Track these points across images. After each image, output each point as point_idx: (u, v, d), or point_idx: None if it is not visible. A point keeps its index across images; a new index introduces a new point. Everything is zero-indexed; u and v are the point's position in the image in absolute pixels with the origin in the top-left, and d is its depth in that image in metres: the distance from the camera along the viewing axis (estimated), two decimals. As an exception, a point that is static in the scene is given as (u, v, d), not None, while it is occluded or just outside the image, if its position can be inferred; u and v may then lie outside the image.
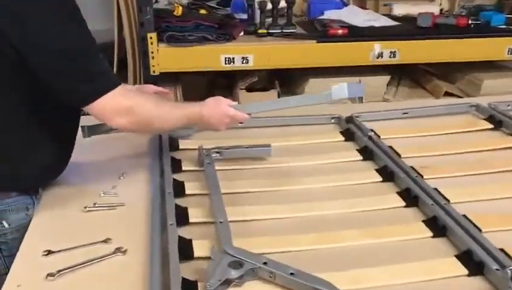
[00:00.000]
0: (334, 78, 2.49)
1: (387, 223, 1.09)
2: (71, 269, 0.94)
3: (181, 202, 1.14)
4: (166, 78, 2.43)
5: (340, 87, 1.25)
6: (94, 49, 1.03)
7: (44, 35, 0.96)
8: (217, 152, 1.33)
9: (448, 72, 2.72)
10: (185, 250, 0.97)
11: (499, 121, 1.57)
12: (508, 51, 2.47)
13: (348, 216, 1.12)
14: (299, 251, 1.00)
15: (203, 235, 1.04)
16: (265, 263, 0.90)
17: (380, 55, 2.39)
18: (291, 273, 0.88)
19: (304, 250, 1.01)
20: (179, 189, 1.19)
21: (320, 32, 2.38)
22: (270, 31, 2.36)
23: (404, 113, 1.66)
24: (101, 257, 0.97)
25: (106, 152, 1.36)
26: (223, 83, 2.70)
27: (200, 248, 0.99)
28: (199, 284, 0.89)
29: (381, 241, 1.03)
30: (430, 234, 1.05)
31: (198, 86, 2.65)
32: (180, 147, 1.43)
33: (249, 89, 2.41)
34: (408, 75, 2.84)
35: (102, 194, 1.19)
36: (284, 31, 2.37)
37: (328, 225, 1.08)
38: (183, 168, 1.31)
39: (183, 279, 0.88)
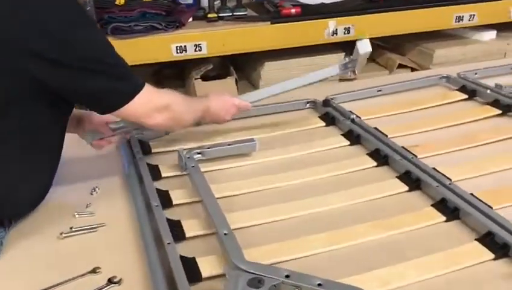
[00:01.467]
0: (290, 59, 2.43)
1: (396, 211, 1.03)
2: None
3: (170, 214, 1.02)
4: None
5: (363, 42, 1.31)
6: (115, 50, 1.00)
7: (85, 46, 0.93)
8: (199, 153, 1.21)
9: (399, 44, 2.72)
10: (191, 271, 0.85)
11: (472, 90, 1.56)
12: (456, 19, 2.49)
13: (354, 208, 1.05)
14: (314, 255, 0.92)
15: (205, 250, 0.92)
16: (287, 276, 0.80)
17: (335, 32, 2.33)
18: (319, 285, 0.79)
19: (319, 253, 0.92)
20: (165, 199, 1.07)
21: (273, 13, 2.28)
22: (221, 15, 2.24)
23: (378, 91, 1.61)
24: (94, 293, 0.84)
25: (71, 164, 1.20)
26: (170, 73, 2.55)
27: (206, 266, 0.87)
28: (218, 310, 0.78)
29: (397, 233, 0.97)
30: (443, 218, 1.00)
31: (144, 77, 2.48)
32: (153, 150, 1.30)
33: (204, 78, 2.28)
34: (359, 50, 2.81)
35: (76, 215, 1.04)
36: (235, 14, 2.25)
37: (337, 220, 1.00)
38: (163, 174, 1.18)
39: (199, 307, 0.77)
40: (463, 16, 2.49)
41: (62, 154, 1.08)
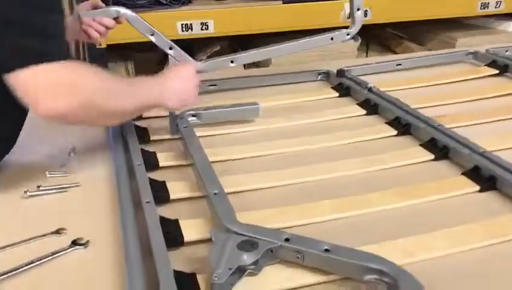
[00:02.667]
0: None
1: (420, 180, 0.87)
2: (12, 273, 0.66)
3: (155, 176, 0.87)
4: (115, 55, 2.14)
5: None
6: (58, 9, 0.78)
7: None
8: (194, 115, 1.06)
9: (418, 34, 2.57)
10: (171, 234, 0.71)
11: (505, 65, 1.40)
12: (481, 6, 2.33)
13: (370, 176, 0.89)
14: (320, 222, 0.76)
15: (191, 214, 0.78)
16: (287, 240, 0.65)
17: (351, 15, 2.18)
18: (326, 250, 0.63)
19: (326, 221, 0.77)
20: (151, 161, 0.92)
21: (286, -9, 2.15)
22: (230, -7, 2.10)
23: (398, 65, 1.45)
24: (53, 254, 0.69)
25: (48, 124, 1.06)
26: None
27: (190, 230, 0.73)
28: (198, 276, 0.63)
29: (421, 202, 0.81)
30: (476, 187, 0.84)
31: (151, 64, 2.36)
32: (144, 115, 1.15)
33: (210, 60, 2.14)
34: (376, 40, 2.66)
35: (48, 175, 0.90)
36: (246, -8, 2.11)
37: (348, 188, 0.85)
38: (152, 137, 1.04)
39: (176, 272, 0.62)
40: (488, 3, 2.33)
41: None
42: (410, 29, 2.55)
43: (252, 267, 0.63)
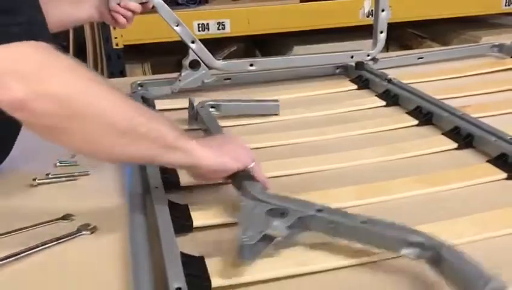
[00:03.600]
0: (321, 44, 2.26)
1: (444, 167, 0.83)
2: (18, 256, 0.64)
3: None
4: (131, 55, 2.14)
5: None
6: None
7: None
8: (213, 106, 1.04)
9: (441, 33, 2.51)
10: (181, 219, 0.68)
11: (532, 57, 1.35)
12: (506, 2, 2.26)
13: (393, 164, 0.85)
14: (344, 208, 0.72)
15: (201, 200, 0.75)
16: (319, 211, 0.60)
17: (370, 13, 2.14)
18: (363, 222, 0.58)
19: (350, 206, 0.72)
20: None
21: (303, -10, 2.12)
22: (247, -7, 2.09)
23: (420, 58, 1.41)
24: (60, 238, 0.67)
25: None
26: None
27: (200, 215, 0.70)
28: (207, 260, 0.59)
29: (445, 189, 0.76)
30: (504, 175, 0.79)
31: (169, 67, 2.35)
32: (157, 107, 1.14)
33: (228, 61, 2.12)
34: (396, 40, 2.61)
35: (58, 164, 0.88)
36: (263, -9, 2.09)
37: (370, 175, 0.81)
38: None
39: (183, 254, 0.59)
40: (514, -1, 2.27)
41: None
42: (431, 29, 2.49)
43: (281, 235, 0.58)
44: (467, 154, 0.88)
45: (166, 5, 1.11)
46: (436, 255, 0.54)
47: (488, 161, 0.84)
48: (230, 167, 0.67)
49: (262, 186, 0.67)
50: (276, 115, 1.07)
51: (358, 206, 0.72)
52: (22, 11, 0.57)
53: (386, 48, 2.54)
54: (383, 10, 1.23)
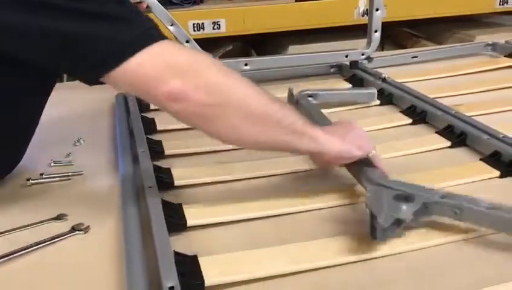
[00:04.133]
0: (316, 43, 2.26)
1: (438, 166, 0.83)
2: (11, 256, 0.64)
3: (161, 164, 0.85)
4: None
5: None
6: None
7: None
8: (310, 96, 1.07)
9: (435, 33, 2.51)
10: (174, 218, 0.68)
11: (525, 56, 1.35)
12: (500, 1, 2.27)
13: (387, 163, 0.84)
14: (338, 207, 0.73)
15: (196, 200, 0.75)
16: (443, 197, 0.63)
17: (365, 12, 2.15)
18: (487, 208, 0.61)
19: (341, 205, 0.73)
20: (157, 149, 0.90)
21: (299, -11, 2.12)
22: (242, -8, 2.09)
23: (414, 57, 1.41)
24: (53, 238, 0.67)
25: (56, 113, 1.05)
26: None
27: (194, 214, 0.70)
28: (200, 259, 0.60)
29: (440, 187, 0.76)
30: (496, 173, 0.80)
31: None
32: (152, 107, 1.14)
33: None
34: (391, 39, 2.62)
35: (52, 164, 0.89)
36: (258, -9, 2.10)
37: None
38: (159, 127, 1.02)
39: (177, 253, 0.59)
40: (508, -2, 2.28)
41: (49, 102, 0.91)
42: (426, 28, 2.50)
43: (409, 219, 0.61)
44: (460, 152, 0.89)
45: (160, 5, 1.11)
46: None
47: (481, 159, 0.84)
48: (355, 154, 0.70)
49: (382, 173, 0.70)
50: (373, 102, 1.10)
51: (350, 205, 0.73)
52: (146, 19, 0.63)
53: (381, 47, 2.55)
54: (377, 9, 1.23)
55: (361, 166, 0.72)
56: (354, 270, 0.59)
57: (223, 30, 2.02)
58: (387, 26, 2.36)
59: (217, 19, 2.00)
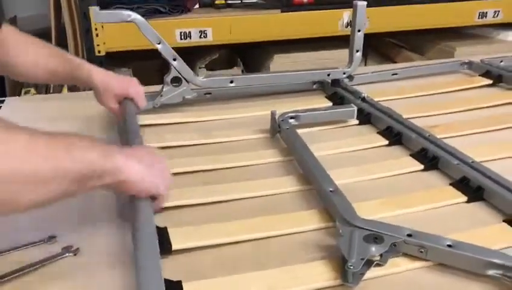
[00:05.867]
0: (300, 52, 2.31)
1: (409, 190, 0.88)
2: (2, 280, 0.67)
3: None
4: (112, 62, 2.16)
5: None
6: None
7: None
8: (292, 117, 1.10)
9: (418, 43, 2.58)
10: (159, 242, 0.71)
11: (498, 75, 1.41)
12: (479, 15, 2.34)
13: (361, 186, 0.90)
14: (311, 231, 0.77)
15: (179, 222, 0.79)
16: (409, 235, 0.69)
17: (349, 24, 2.20)
18: (449, 245, 0.67)
19: (317, 229, 0.78)
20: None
21: (284, 1, 2.17)
22: (229, 2, 2.13)
23: (394, 74, 1.47)
24: (43, 261, 0.70)
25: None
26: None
27: (179, 237, 0.73)
28: (184, 285, 0.64)
29: (410, 212, 0.82)
30: (464, 198, 0.85)
31: (150, 72, 2.37)
32: (140, 122, 1.17)
33: (210, 69, 2.16)
34: (375, 50, 2.68)
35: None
36: (245, 1, 2.14)
37: (347, 195, 0.85)
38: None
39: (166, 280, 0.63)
40: (487, 12, 2.35)
41: (32, 115, 0.94)
42: (409, 39, 2.57)
43: (378, 260, 0.67)
44: (432, 176, 0.94)
45: (148, 24, 1.14)
46: None
47: (451, 184, 0.89)
48: (157, 189, 0.66)
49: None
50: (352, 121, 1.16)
51: (325, 228, 0.77)
52: None
53: (365, 57, 2.62)
54: (359, 30, 1.27)
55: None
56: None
57: (210, 39, 2.06)
58: (371, 37, 2.43)
59: (204, 28, 2.04)
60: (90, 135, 0.61)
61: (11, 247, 0.73)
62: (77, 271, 0.69)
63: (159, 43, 1.16)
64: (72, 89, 1.78)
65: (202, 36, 2.04)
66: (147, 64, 2.32)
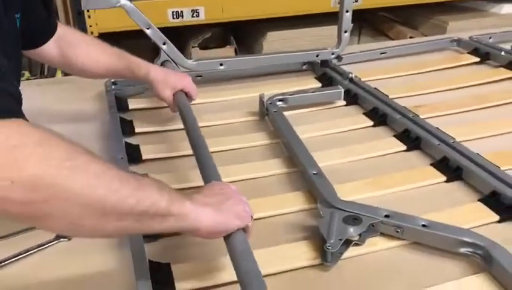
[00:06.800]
0: (293, 29, 2.31)
1: (392, 170, 0.91)
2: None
3: (138, 169, 0.91)
4: (105, 42, 2.16)
5: None
6: None
7: None
8: (281, 100, 1.13)
9: (411, 17, 2.58)
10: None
11: (486, 53, 1.43)
12: (473, -12, 2.33)
13: (346, 167, 0.93)
14: (294, 212, 0.81)
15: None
16: (387, 216, 0.73)
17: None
18: (424, 225, 0.71)
19: (300, 210, 0.81)
20: (134, 154, 0.97)
21: (276, -23, 2.16)
22: (221, -20, 2.11)
23: (382, 53, 1.48)
24: (39, 246, 0.74)
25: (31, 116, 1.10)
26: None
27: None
28: (173, 267, 0.68)
29: (391, 192, 0.85)
30: (443, 178, 0.88)
31: (144, 50, 2.38)
32: (130, 106, 1.20)
33: (203, 47, 2.17)
34: (368, 24, 2.68)
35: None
36: (236, -21, 2.12)
37: (331, 177, 0.87)
38: (137, 130, 1.08)
39: (151, 262, 0.67)
40: (480, -14, 2.34)
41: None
42: (403, 13, 2.56)
43: (356, 240, 0.71)
44: (414, 156, 0.97)
45: (137, 9, 1.15)
46: (487, 254, 0.66)
47: (431, 164, 0.92)
48: (232, 227, 0.62)
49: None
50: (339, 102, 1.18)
51: (309, 210, 0.81)
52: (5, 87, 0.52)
53: (359, 31, 2.62)
54: (347, 11, 1.28)
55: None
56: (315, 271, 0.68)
57: (202, 18, 2.07)
58: (365, 12, 2.43)
59: (196, 7, 2.04)
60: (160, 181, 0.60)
61: (7, 233, 0.77)
62: (71, 256, 0.73)
63: (148, 28, 1.18)
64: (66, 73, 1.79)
65: (194, 15, 2.05)
66: (140, 43, 2.32)
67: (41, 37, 0.98)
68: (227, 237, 0.61)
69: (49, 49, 1.00)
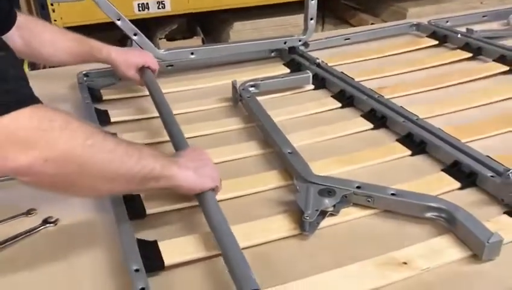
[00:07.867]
0: (259, 19, 2.35)
1: (359, 148, 0.97)
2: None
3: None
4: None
5: None
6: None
7: None
8: (253, 86, 1.16)
9: (372, 5, 2.66)
10: (134, 207, 0.78)
11: (444, 36, 1.50)
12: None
13: (315, 147, 0.98)
14: (269, 190, 0.85)
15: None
16: (359, 187, 0.78)
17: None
18: (393, 194, 0.76)
19: (273, 189, 0.86)
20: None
21: (240, -33, 2.19)
22: (185, -29, 2.13)
23: (347, 39, 1.54)
24: (26, 232, 0.76)
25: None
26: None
27: (152, 204, 0.80)
28: (160, 244, 0.71)
29: (359, 167, 0.90)
30: (409, 152, 0.94)
31: (110, 43, 2.37)
32: (104, 97, 1.21)
33: (170, 39, 2.18)
34: (331, 12, 2.75)
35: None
36: (201, -31, 2.14)
37: (304, 155, 0.91)
38: (113, 119, 1.10)
39: (139, 240, 0.70)
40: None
41: None
42: (364, 1, 2.64)
43: (331, 210, 0.76)
44: (381, 134, 1.03)
45: (107, 1, 1.17)
46: (451, 217, 0.72)
47: (397, 140, 0.98)
48: (206, 187, 0.75)
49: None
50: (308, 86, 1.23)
51: (286, 186, 0.85)
52: (7, 76, 0.57)
53: (322, 19, 2.68)
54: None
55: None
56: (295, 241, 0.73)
57: (168, 9, 2.08)
58: (327, 0, 2.49)
59: (162, -1, 2.05)
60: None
61: (-6, 221, 0.78)
62: (58, 241, 0.75)
63: (118, 20, 1.19)
64: (33, 66, 1.78)
65: (160, 7, 2.06)
66: (106, 36, 2.32)
67: (0, 27, 0.96)
68: (200, 194, 0.75)
69: (13, 40, 1.00)
